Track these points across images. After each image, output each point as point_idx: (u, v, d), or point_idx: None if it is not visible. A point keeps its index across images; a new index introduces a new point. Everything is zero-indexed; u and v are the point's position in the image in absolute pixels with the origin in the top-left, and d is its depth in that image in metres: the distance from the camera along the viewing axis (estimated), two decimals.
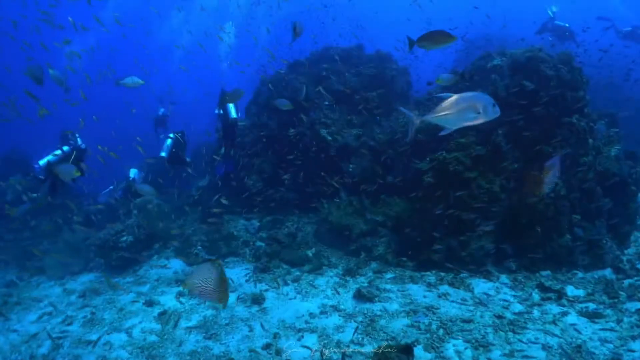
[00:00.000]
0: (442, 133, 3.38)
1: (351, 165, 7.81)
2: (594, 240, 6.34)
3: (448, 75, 6.11)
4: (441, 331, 4.19)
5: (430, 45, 3.72)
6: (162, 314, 5.07)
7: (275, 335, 4.28)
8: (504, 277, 5.71)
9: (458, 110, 3.16)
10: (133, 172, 8.70)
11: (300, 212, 8.11)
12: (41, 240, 8.84)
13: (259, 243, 7.27)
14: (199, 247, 7.15)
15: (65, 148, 6.69)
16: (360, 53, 10.39)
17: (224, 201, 7.03)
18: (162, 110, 11.60)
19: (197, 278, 2.79)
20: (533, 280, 5.77)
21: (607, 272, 6.31)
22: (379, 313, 4.54)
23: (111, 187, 9.33)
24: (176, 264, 6.77)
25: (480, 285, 5.38)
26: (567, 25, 13.09)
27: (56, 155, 6.53)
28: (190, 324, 4.78)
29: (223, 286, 2.73)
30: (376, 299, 4.85)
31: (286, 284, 5.63)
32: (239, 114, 8.79)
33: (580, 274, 6.10)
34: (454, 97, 3.24)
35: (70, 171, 5.40)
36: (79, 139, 7.81)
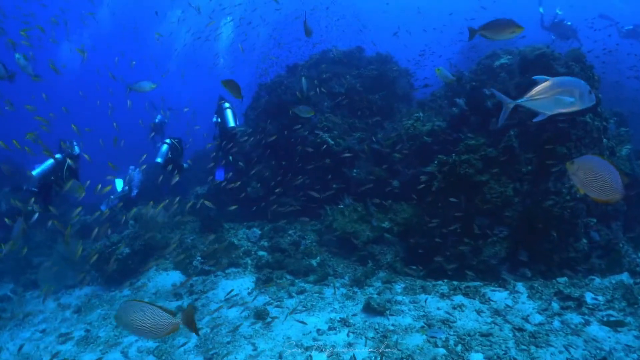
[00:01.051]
0: (537, 119, 3.08)
1: (355, 170, 7.55)
2: (611, 244, 6.08)
3: (447, 72, 5.89)
4: (460, 347, 3.91)
5: (492, 35, 3.48)
6: None
7: (281, 355, 3.98)
8: (520, 285, 5.43)
9: (554, 95, 2.91)
10: (119, 184, 8.39)
11: (302, 218, 7.82)
12: (36, 251, 8.56)
13: (261, 252, 6.99)
14: (199, 258, 6.86)
15: (58, 156, 6.42)
16: (360, 55, 10.17)
17: (207, 203, 6.72)
18: (159, 117, 11.34)
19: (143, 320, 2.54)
20: (550, 288, 5.51)
21: (624, 277, 6.04)
22: (391, 328, 4.26)
23: (111, 196, 9.05)
24: (175, 276, 6.47)
25: (496, 295, 5.10)
26: (569, 23, 12.92)
27: (49, 164, 6.26)
28: (190, 343, 4.49)
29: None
30: (387, 312, 4.56)
31: (290, 296, 5.34)
32: (237, 121, 8.56)
33: (597, 280, 5.84)
34: (550, 80, 2.98)
35: (76, 187, 5.16)
36: (76, 147, 7.56)
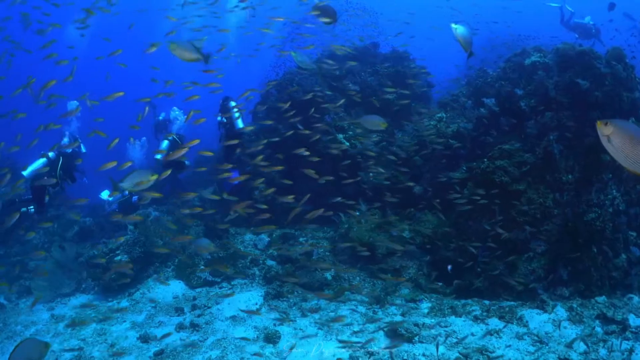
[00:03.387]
0: None
1: (371, 174, 7.01)
2: None
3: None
4: None
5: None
6: (159, 354, 4.27)
7: None
8: (558, 306, 4.90)
9: None
10: (105, 195, 7.89)
11: (314, 225, 7.30)
12: (32, 255, 8.09)
13: (269, 262, 6.48)
14: (202, 267, 6.36)
15: (51, 154, 5.95)
16: (375, 51, 9.64)
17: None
18: (163, 114, 10.83)
19: None
20: (590, 309, 5.00)
21: None
22: (422, 359, 3.73)
23: (109, 198, 8.56)
24: (176, 287, 5.98)
25: (535, 318, 4.57)
26: (592, 22, 12.35)
27: (40, 163, 5.79)
28: None
29: None
30: (416, 338, 4.04)
31: (304, 315, 4.83)
32: (244, 121, 8.07)
33: (635, 298, 5.35)
34: None
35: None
36: (82, 147, 7.16)
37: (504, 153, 5.00)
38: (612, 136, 2.21)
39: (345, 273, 5.88)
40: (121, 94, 5.05)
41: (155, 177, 4.08)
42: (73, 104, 6.83)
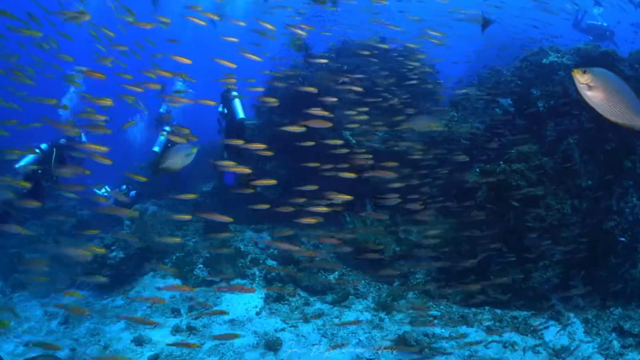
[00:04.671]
0: None
1: (378, 173, 6.76)
2: None
3: None
4: None
5: None
6: (154, 359, 4.04)
7: None
8: (573, 317, 4.69)
9: None
10: (101, 190, 7.62)
11: (317, 224, 7.05)
12: (30, 247, 7.84)
13: (270, 262, 6.25)
14: (200, 265, 6.13)
15: (43, 146, 5.69)
16: (384, 47, 9.34)
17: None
18: (164, 107, 10.53)
19: None
20: (606, 321, 4.80)
21: None
22: None
23: (123, 186, 8.27)
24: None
25: (550, 330, 4.35)
26: (605, 24, 12.05)
27: (31, 158, 5.54)
28: None
29: None
30: (427, 349, 3.81)
31: (306, 320, 4.59)
32: (246, 113, 7.80)
33: None
34: None
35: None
36: (83, 136, 6.91)
37: (522, 155, 4.75)
38: (590, 85, 2.15)
39: (349, 276, 5.66)
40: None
41: (196, 149, 3.88)
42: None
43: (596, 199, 4.80)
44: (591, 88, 2.14)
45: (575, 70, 2.17)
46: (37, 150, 5.60)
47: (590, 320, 4.70)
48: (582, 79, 2.15)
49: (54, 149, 5.67)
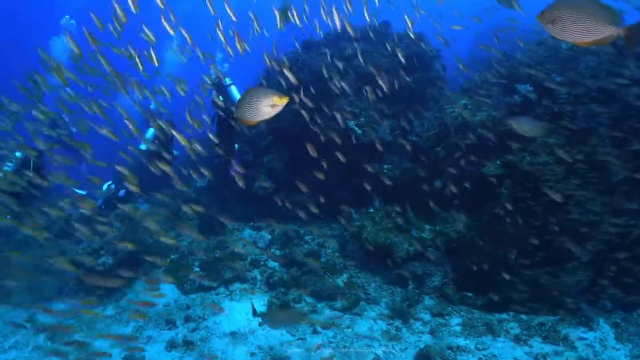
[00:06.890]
0: None
1: (386, 166, 6.34)
2: None
3: None
4: None
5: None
6: None
7: None
8: (602, 323, 4.34)
9: None
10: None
11: (320, 221, 6.63)
12: (16, 248, 7.32)
13: (271, 263, 5.83)
14: (196, 269, 5.70)
15: (18, 154, 5.20)
16: (387, 31, 8.82)
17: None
18: (153, 104, 9.92)
19: None
20: (634, 325, 4.47)
21: None
22: None
23: (112, 185, 7.75)
24: (168, 292, 5.30)
25: (581, 337, 4.00)
26: None
27: (9, 166, 5.04)
28: None
29: None
30: None
31: (315, 331, 4.19)
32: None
33: None
34: None
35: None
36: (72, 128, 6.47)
37: (547, 148, 4.33)
38: (553, 19, 2.11)
39: (358, 278, 5.26)
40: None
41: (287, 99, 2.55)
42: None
43: (627, 196, 4.41)
44: (554, 22, 2.10)
45: (538, 16, 2.16)
46: (12, 161, 5.12)
47: (619, 325, 4.36)
48: (542, 20, 2.14)
49: (30, 157, 5.18)
